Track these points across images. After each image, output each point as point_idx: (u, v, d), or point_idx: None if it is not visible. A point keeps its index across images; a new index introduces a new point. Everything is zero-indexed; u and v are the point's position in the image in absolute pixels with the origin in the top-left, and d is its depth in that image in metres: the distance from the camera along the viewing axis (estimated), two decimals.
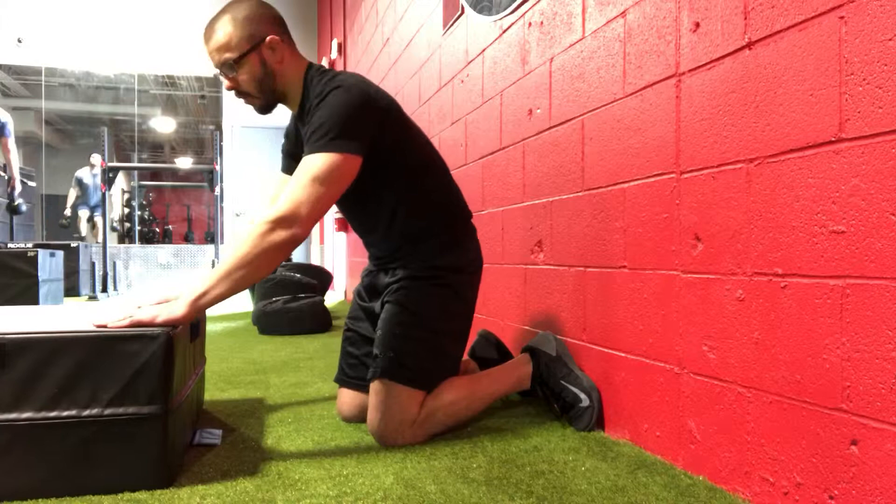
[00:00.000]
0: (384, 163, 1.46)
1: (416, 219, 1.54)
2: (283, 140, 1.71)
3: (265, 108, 1.50)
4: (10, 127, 5.18)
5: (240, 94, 1.48)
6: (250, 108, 1.52)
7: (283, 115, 1.55)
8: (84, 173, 8.20)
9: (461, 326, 1.58)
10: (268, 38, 1.44)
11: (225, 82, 1.47)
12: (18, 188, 5.45)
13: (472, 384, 1.54)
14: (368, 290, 1.65)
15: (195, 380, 1.47)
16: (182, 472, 1.23)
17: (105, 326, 1.14)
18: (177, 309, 1.22)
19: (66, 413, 1.09)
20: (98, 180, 8.21)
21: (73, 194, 8.22)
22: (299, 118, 1.54)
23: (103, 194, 6.16)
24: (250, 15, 1.43)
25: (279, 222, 1.27)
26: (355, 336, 1.65)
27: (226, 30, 1.41)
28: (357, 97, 1.38)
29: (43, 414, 1.09)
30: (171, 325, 1.18)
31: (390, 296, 1.52)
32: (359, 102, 1.38)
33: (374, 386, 1.45)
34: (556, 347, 1.63)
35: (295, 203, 1.28)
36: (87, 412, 1.10)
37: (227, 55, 1.41)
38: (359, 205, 1.59)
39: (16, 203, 5.44)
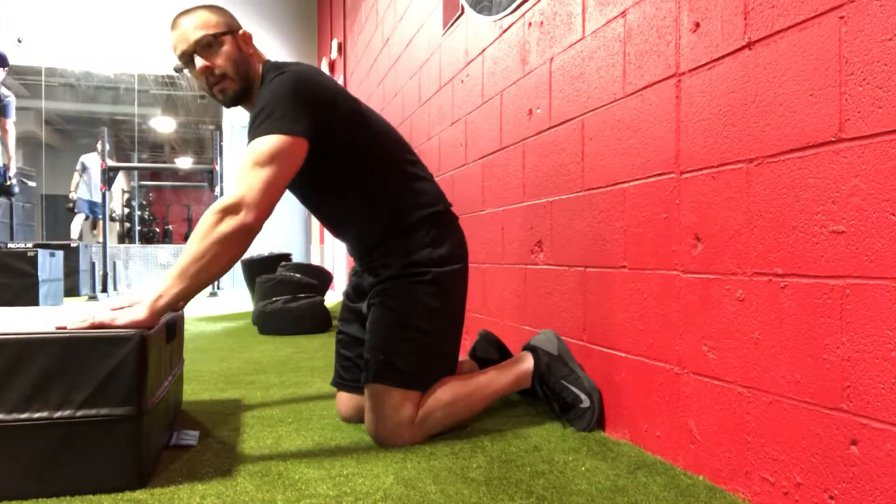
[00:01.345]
0: (343, 156, 1.45)
1: (387, 215, 1.51)
2: None
3: (238, 94, 1.47)
4: (13, 107, 5.17)
5: (212, 78, 1.44)
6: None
7: None
8: (89, 159, 7.98)
9: (451, 322, 1.56)
10: (241, 31, 1.48)
11: (199, 62, 1.41)
12: (14, 169, 5.37)
13: (472, 383, 1.54)
14: (355, 290, 1.64)
15: (172, 381, 1.46)
16: (183, 472, 1.23)
17: (65, 328, 1.13)
18: (137, 313, 1.20)
19: (37, 415, 1.09)
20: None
21: (76, 178, 8.01)
22: None
23: (104, 194, 6.17)
24: (223, 11, 1.49)
25: (225, 211, 1.24)
26: (347, 338, 1.64)
27: (203, 13, 1.44)
28: (299, 81, 1.37)
29: (14, 416, 1.08)
30: (131, 327, 1.16)
31: (375, 298, 1.51)
32: (301, 86, 1.36)
33: (368, 390, 1.45)
34: (557, 346, 1.63)
35: (238, 190, 1.26)
36: (59, 414, 1.09)
37: (208, 31, 1.42)
38: (326, 205, 1.58)
39: (9, 183, 5.36)
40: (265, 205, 1.27)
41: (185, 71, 1.47)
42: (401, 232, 1.51)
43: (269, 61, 1.52)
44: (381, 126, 1.57)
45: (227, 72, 1.44)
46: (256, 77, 1.49)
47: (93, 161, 8.00)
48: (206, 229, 1.24)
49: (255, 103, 1.38)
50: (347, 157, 1.47)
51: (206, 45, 1.42)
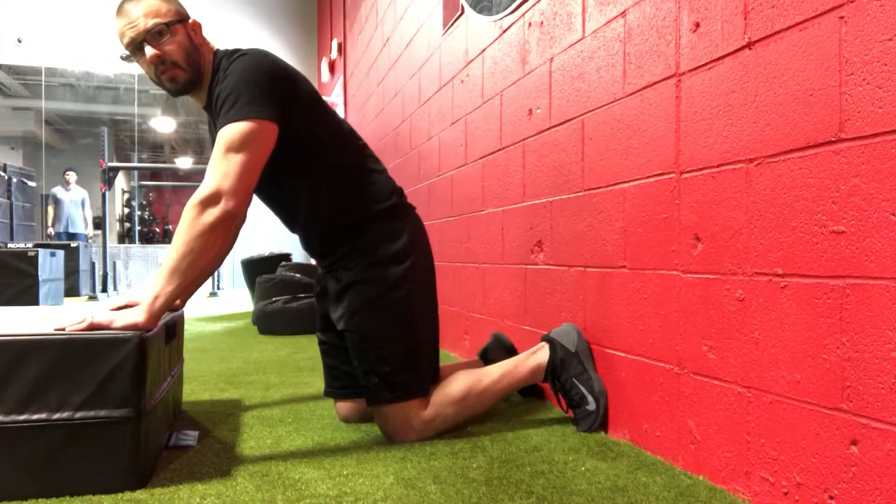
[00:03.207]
0: (301, 140, 1.43)
1: (342, 207, 1.50)
2: None
3: (187, 84, 1.44)
4: None
5: (162, 66, 1.40)
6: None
7: None
8: (58, 190, 7.96)
9: (425, 317, 1.55)
10: (191, 20, 1.46)
11: (149, 51, 1.38)
12: None
13: (485, 380, 1.54)
14: (322, 295, 1.62)
15: (171, 382, 1.45)
16: (183, 472, 1.23)
17: (63, 330, 1.13)
18: (135, 315, 1.19)
19: (35, 416, 1.09)
20: (73, 196, 7.93)
21: (51, 212, 7.95)
22: (208, 108, 1.48)
23: (103, 194, 6.17)
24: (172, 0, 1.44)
25: (206, 202, 1.25)
26: (328, 347, 1.63)
27: (152, 0, 1.39)
28: (263, 62, 1.37)
29: (12, 417, 1.08)
30: (130, 329, 1.16)
31: (347, 321, 1.48)
32: (266, 68, 1.36)
33: (374, 412, 1.48)
34: (576, 342, 1.59)
35: (214, 180, 1.26)
36: (57, 415, 1.09)
37: (159, 19, 1.38)
38: (281, 193, 1.55)
39: None
40: (243, 190, 1.28)
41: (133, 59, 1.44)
42: (356, 227, 1.50)
43: (219, 50, 1.49)
44: (335, 114, 1.56)
45: (177, 60, 1.41)
46: (207, 66, 1.46)
47: (63, 193, 7.89)
48: (190, 223, 1.24)
49: (216, 89, 1.36)
50: (306, 140, 1.45)
51: (157, 34, 1.39)
